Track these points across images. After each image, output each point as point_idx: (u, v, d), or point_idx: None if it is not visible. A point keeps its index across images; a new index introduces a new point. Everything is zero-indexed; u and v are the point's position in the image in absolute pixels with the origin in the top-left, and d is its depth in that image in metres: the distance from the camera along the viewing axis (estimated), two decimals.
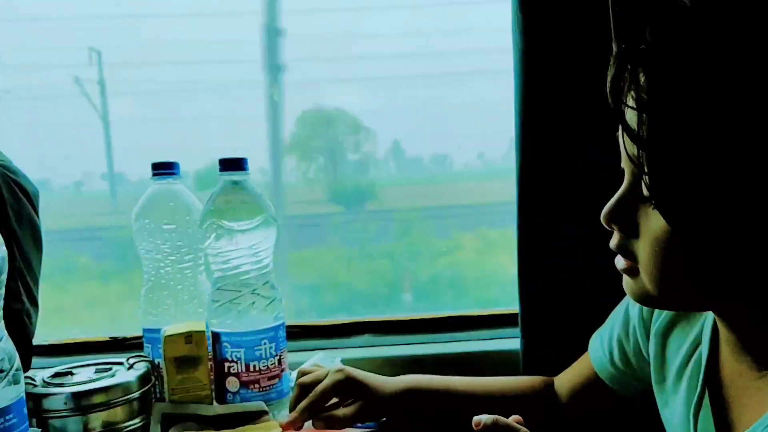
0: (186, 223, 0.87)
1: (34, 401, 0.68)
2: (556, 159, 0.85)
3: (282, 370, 0.80)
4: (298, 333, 1.03)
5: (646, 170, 0.42)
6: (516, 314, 0.89)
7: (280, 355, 0.80)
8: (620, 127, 0.44)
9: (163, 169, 0.87)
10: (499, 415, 0.74)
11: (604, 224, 0.50)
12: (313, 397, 0.73)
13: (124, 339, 1.03)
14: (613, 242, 0.50)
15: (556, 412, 0.76)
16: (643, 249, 0.46)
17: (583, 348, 0.75)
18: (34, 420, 0.68)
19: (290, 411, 0.74)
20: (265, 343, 0.78)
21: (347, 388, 0.74)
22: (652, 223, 0.45)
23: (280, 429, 0.71)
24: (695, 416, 0.54)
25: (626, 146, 0.44)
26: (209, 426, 0.73)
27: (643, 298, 0.50)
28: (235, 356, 0.77)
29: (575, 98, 0.83)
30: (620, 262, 0.50)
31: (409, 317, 1.05)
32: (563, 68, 0.83)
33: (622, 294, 0.69)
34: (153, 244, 0.86)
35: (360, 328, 1.04)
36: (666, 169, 0.41)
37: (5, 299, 0.83)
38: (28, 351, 0.86)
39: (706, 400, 0.53)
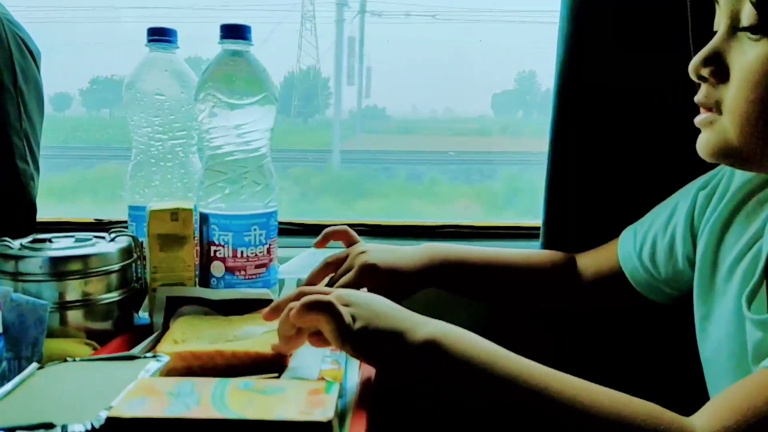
0: (180, 97, 0.81)
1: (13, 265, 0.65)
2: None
3: (270, 260, 0.76)
4: (298, 231, 0.99)
5: None
6: (537, 227, 0.87)
7: (270, 244, 0.75)
8: None
9: (160, 35, 0.81)
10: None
11: (694, 74, 0.49)
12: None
13: (110, 222, 0.99)
14: (700, 94, 0.50)
15: (576, 289, 0.74)
16: (733, 89, 0.47)
17: None
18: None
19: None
20: (255, 229, 0.74)
21: (374, 280, 0.69)
22: (749, 56, 0.45)
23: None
24: (749, 302, 0.51)
25: None
26: (212, 309, 0.70)
27: (720, 148, 0.49)
28: (223, 240, 0.73)
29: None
30: (701, 116, 0.50)
31: (422, 223, 1.02)
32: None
33: (649, 209, 0.68)
34: (144, 117, 0.81)
35: (369, 230, 1.00)
36: None
37: (11, 156, 0.79)
38: (32, 214, 0.83)
39: (763, 292, 0.50)
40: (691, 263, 0.62)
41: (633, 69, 0.79)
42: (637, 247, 0.68)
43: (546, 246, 0.85)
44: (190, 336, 0.62)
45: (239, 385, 0.45)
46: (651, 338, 0.82)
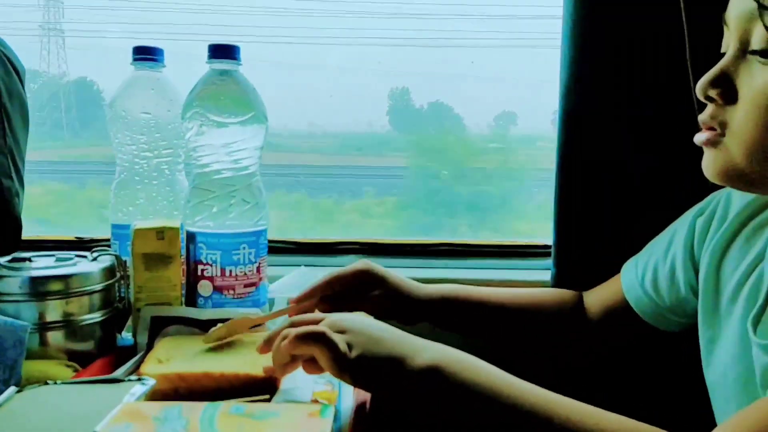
0: (167, 116, 0.80)
1: None
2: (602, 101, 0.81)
3: (260, 279, 0.74)
4: (290, 249, 0.98)
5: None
6: (549, 246, 0.87)
7: (260, 263, 0.74)
8: None
9: (145, 54, 0.80)
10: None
11: (701, 94, 0.49)
12: (328, 277, 0.67)
13: (91, 240, 0.97)
14: (705, 114, 0.49)
15: (584, 328, 0.73)
16: (740, 111, 0.46)
17: None
18: None
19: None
20: (244, 248, 0.72)
21: (367, 279, 0.68)
22: (758, 80, 0.45)
23: None
24: (754, 326, 0.50)
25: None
26: (198, 329, 0.68)
27: (724, 170, 0.48)
28: (211, 259, 0.72)
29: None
30: (702, 135, 0.49)
31: (422, 241, 1.00)
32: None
33: (658, 228, 0.69)
34: (129, 135, 0.79)
35: (362, 249, 0.98)
36: None
37: None
38: (17, 231, 0.81)
39: (767, 316, 0.50)
40: (694, 291, 0.61)
41: (636, 87, 0.80)
42: (639, 276, 0.67)
43: (558, 264, 0.85)
44: (175, 355, 0.60)
45: (230, 410, 0.43)
46: (656, 363, 0.81)
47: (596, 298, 0.73)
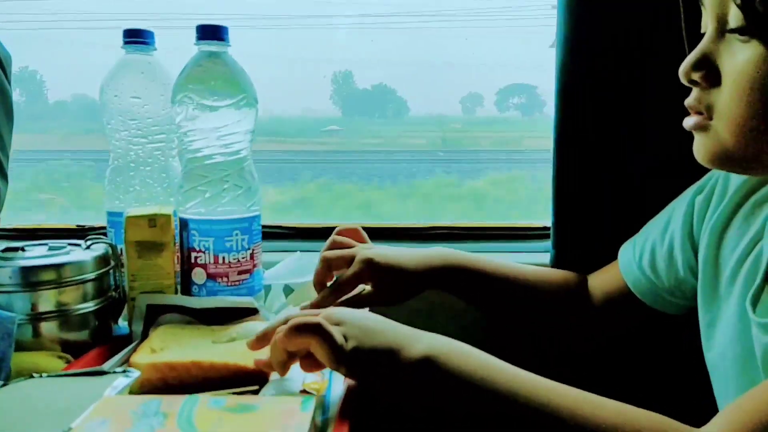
0: (159, 100, 0.78)
1: None
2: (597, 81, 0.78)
3: (254, 266, 0.73)
4: (287, 234, 0.96)
5: None
6: (548, 228, 0.85)
7: (253, 250, 0.73)
8: None
9: (136, 37, 0.78)
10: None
11: (685, 78, 0.47)
12: (333, 288, 0.67)
13: (91, 228, 0.97)
14: (691, 98, 0.48)
15: (587, 312, 0.71)
16: (725, 93, 0.44)
17: None
18: None
19: (314, 284, 0.68)
20: (236, 234, 0.71)
21: (373, 275, 0.67)
22: (739, 59, 0.43)
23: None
24: (753, 305, 0.49)
25: None
26: (194, 318, 0.67)
27: (715, 154, 0.47)
28: (204, 246, 0.71)
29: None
30: (691, 120, 0.48)
31: (421, 225, 0.99)
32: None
33: (657, 209, 0.66)
34: (121, 121, 0.78)
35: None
36: None
37: None
38: None
39: (766, 294, 0.48)
40: (693, 271, 0.60)
41: (631, 68, 0.77)
42: (637, 257, 0.65)
43: (557, 246, 0.83)
44: (169, 344, 0.59)
45: (208, 404, 0.42)
46: (656, 346, 0.79)
47: (598, 282, 0.72)
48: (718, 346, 0.54)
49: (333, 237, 0.72)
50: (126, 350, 0.64)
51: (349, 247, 0.70)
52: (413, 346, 0.48)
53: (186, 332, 0.64)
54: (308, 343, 0.49)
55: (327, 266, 0.68)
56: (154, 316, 0.68)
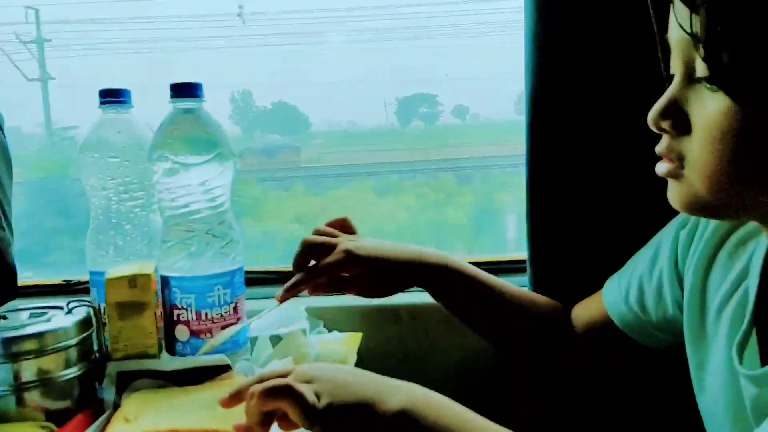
0: (137, 157, 0.78)
1: None
2: (567, 109, 0.78)
3: (238, 319, 0.73)
4: (271, 280, 0.95)
5: (702, 38, 0.39)
6: (524, 260, 0.84)
7: (236, 303, 0.73)
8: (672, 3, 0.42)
9: (112, 96, 0.79)
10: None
11: (654, 126, 0.46)
12: (307, 272, 0.66)
13: (78, 282, 0.96)
14: (661, 145, 0.47)
15: (569, 341, 0.71)
16: (695, 142, 0.43)
17: None
18: None
19: (293, 267, 0.67)
20: (218, 289, 0.71)
21: (352, 266, 0.66)
22: (708, 108, 0.42)
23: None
24: (739, 353, 0.48)
25: (678, 17, 0.42)
26: (167, 381, 0.67)
27: (689, 203, 0.46)
28: (185, 303, 0.70)
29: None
30: (663, 166, 0.47)
31: None
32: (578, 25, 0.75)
33: (636, 241, 0.66)
34: (100, 180, 0.78)
35: None
36: (723, 33, 0.39)
37: None
38: (12, 279, 0.81)
39: (753, 343, 0.48)
40: (681, 309, 0.59)
41: (604, 81, 0.76)
42: (623, 293, 0.64)
43: (534, 281, 0.82)
44: (144, 411, 0.59)
45: None
46: (648, 389, 0.79)
47: (580, 313, 0.71)
48: (710, 392, 0.53)
49: (318, 227, 0.71)
50: (100, 420, 0.63)
51: (334, 237, 0.69)
52: (389, 399, 0.48)
53: (159, 396, 0.64)
54: (281, 406, 0.48)
55: (305, 251, 0.66)
56: (126, 383, 0.67)
